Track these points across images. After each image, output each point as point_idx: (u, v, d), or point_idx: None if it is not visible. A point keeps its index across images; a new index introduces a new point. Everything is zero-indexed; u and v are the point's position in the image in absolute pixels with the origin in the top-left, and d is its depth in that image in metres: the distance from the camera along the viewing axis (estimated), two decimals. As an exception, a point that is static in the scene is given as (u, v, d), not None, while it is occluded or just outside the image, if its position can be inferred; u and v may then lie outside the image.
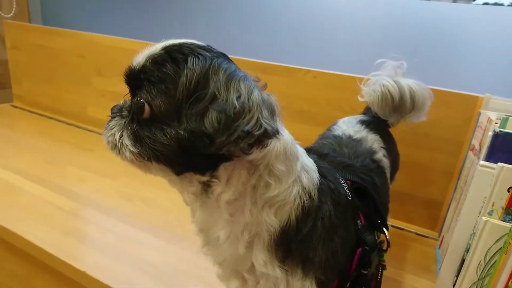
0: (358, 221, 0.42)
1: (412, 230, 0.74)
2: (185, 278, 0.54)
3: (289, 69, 0.81)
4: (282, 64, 0.82)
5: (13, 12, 1.25)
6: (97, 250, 0.59)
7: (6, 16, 1.24)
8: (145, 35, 0.92)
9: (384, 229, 0.44)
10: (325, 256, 0.37)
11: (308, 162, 0.38)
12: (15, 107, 1.26)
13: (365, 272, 0.41)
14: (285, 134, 0.34)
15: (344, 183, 0.42)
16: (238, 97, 0.29)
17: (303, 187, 0.35)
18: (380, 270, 0.44)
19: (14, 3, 1.24)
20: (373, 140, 0.54)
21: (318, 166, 0.39)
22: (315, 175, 0.38)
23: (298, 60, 0.84)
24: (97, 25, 1.23)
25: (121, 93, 0.36)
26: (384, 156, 0.54)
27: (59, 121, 1.15)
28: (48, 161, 0.88)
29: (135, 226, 0.65)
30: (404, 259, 0.64)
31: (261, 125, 0.29)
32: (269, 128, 0.29)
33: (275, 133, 0.31)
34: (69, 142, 1.00)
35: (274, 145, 0.32)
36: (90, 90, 1.09)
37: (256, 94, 0.30)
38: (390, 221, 0.70)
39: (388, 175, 0.55)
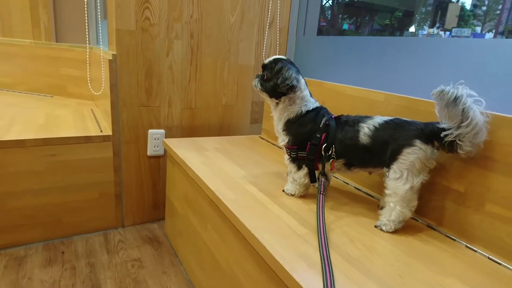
0: (318, 135, 0.89)
1: None
2: None
3: None
4: None
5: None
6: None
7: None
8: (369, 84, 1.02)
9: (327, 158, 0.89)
10: (296, 131, 0.93)
11: (310, 104, 0.94)
12: (262, 138, 1.58)
13: (312, 157, 0.91)
14: (304, 91, 0.93)
15: (325, 118, 0.91)
16: (287, 74, 0.90)
17: (301, 109, 0.93)
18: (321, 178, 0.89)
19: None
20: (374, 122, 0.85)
21: (317, 108, 0.94)
22: (310, 107, 0.93)
23: None
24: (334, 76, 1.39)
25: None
26: (368, 130, 0.84)
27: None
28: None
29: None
30: None
31: (292, 84, 0.89)
32: (295, 85, 0.90)
33: (297, 89, 0.91)
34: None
35: (297, 93, 0.92)
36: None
37: (293, 74, 0.90)
38: None
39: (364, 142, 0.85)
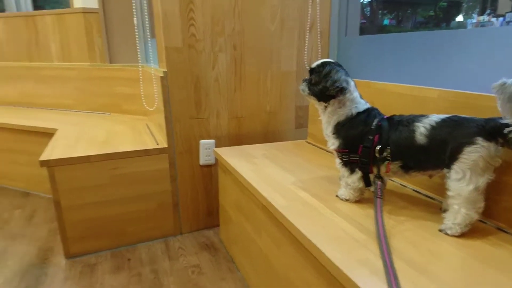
0: (370, 137, 0.88)
1: None
2: None
3: None
4: None
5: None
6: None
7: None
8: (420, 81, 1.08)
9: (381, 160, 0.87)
10: (347, 134, 0.92)
11: (360, 105, 0.92)
12: (309, 143, 1.58)
13: (365, 160, 0.89)
14: (354, 93, 0.92)
15: (377, 119, 0.89)
16: (336, 77, 0.90)
17: (351, 111, 0.91)
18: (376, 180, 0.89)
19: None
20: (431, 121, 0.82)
21: (368, 109, 0.92)
22: (360, 109, 0.92)
23: None
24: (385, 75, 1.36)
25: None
26: (425, 129, 0.81)
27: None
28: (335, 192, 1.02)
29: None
30: None
31: (342, 86, 0.89)
32: (345, 87, 0.90)
33: (347, 91, 0.90)
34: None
35: (347, 95, 0.91)
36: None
37: (343, 76, 0.91)
38: None
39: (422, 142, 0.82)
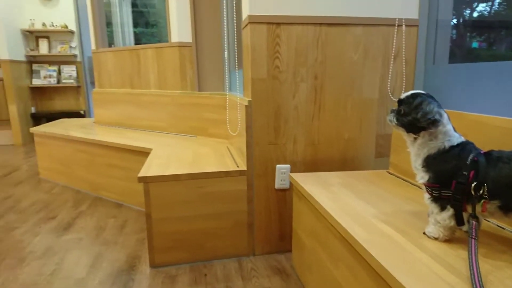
0: (465, 173, 0.82)
1: None
2: None
3: None
4: None
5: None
6: None
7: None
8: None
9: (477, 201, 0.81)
10: (439, 168, 0.87)
11: (454, 139, 0.88)
12: (390, 173, 1.52)
13: (458, 197, 0.83)
14: (447, 125, 0.88)
15: (473, 154, 0.83)
16: (429, 109, 0.87)
17: (444, 145, 0.87)
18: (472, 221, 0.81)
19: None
20: None
21: (462, 143, 0.87)
22: (454, 142, 0.87)
23: None
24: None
25: None
26: None
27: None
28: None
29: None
30: None
31: (435, 118, 0.86)
32: (438, 120, 0.86)
33: (439, 123, 0.87)
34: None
35: (439, 128, 0.88)
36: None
37: (435, 108, 0.87)
38: None
39: None
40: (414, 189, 1.31)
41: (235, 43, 1.78)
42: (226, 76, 1.99)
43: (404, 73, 1.65)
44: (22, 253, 1.75)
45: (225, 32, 2.06)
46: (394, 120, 0.96)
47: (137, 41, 4.66)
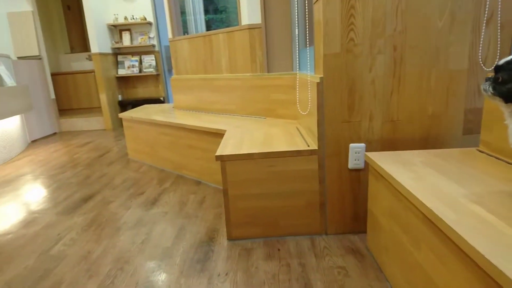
0: None
1: None
2: None
3: None
4: None
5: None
6: None
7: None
8: None
9: None
10: None
11: None
12: (481, 151, 1.37)
13: None
14: None
15: None
16: None
17: None
18: None
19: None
20: None
21: None
22: None
23: None
24: None
25: None
26: None
27: (530, 171, 1.09)
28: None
29: None
30: None
31: None
32: None
33: None
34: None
35: None
36: None
37: None
38: None
39: None
40: (510, 168, 1.16)
41: (306, 19, 1.74)
42: (296, 54, 1.96)
43: (499, 39, 1.45)
44: (118, 223, 2.00)
45: (296, 9, 2.02)
46: (490, 89, 0.85)
47: (208, 28, 4.83)
